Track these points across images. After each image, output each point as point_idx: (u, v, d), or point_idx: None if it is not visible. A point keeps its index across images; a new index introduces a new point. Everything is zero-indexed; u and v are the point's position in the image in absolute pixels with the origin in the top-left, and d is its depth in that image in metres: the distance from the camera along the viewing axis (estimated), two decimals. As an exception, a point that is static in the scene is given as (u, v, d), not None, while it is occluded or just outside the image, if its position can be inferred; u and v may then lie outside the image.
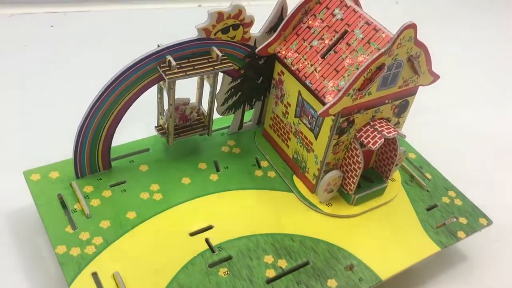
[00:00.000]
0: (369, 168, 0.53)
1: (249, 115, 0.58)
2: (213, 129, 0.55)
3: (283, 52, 0.49)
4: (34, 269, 0.47)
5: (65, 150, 0.50)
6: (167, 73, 0.44)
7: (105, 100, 0.45)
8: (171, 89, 0.46)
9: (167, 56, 0.45)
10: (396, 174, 0.56)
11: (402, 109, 0.50)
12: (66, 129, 0.52)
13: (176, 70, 0.44)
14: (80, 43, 0.76)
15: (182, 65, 0.45)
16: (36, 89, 0.67)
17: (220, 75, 0.51)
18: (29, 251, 0.48)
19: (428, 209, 0.53)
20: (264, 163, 0.55)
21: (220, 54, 0.46)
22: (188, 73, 0.45)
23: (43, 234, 0.50)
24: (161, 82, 0.47)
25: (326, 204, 0.51)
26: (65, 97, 0.66)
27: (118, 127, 0.48)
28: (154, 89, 0.51)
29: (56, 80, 0.69)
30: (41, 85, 0.68)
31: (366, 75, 0.43)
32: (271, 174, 0.54)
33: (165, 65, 0.45)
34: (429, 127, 0.73)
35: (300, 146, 0.51)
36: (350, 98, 0.43)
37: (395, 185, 0.55)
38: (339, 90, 0.44)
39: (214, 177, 0.52)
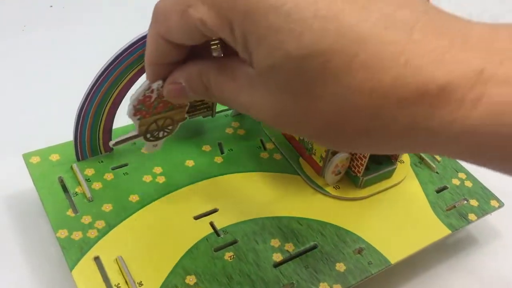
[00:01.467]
0: (377, 150, 0.52)
1: (253, 96, 0.56)
2: (216, 110, 0.53)
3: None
4: (35, 253, 0.46)
5: (66, 132, 0.48)
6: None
7: (106, 79, 0.43)
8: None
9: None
10: (405, 156, 0.55)
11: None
12: (67, 111, 0.50)
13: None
14: (80, 23, 0.74)
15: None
16: (35, 71, 0.65)
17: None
18: (30, 234, 0.47)
19: (438, 191, 0.52)
20: (269, 145, 0.53)
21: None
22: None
23: (44, 217, 0.49)
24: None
25: (334, 187, 0.50)
26: (65, 78, 0.64)
27: (119, 109, 0.47)
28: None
29: (56, 60, 0.67)
30: (40, 66, 0.66)
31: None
32: (277, 156, 0.53)
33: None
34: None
35: (307, 127, 0.50)
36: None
37: (404, 167, 0.53)
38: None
39: (218, 159, 0.51)
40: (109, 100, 0.45)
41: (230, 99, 0.30)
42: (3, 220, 0.48)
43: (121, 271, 0.40)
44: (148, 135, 0.44)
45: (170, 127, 0.44)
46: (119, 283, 0.39)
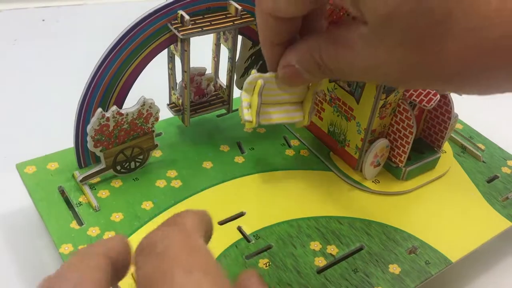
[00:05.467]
0: (416, 138, 0.46)
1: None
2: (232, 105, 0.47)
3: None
4: (35, 279, 0.39)
5: (62, 142, 0.43)
6: (180, 29, 0.37)
7: (108, 68, 0.38)
8: (185, 51, 0.39)
9: (178, 11, 0.38)
10: (446, 146, 0.49)
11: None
12: (59, 125, 0.47)
13: (190, 26, 0.37)
14: (73, 37, 0.69)
15: (197, 22, 0.38)
16: (26, 84, 0.60)
17: (238, 42, 0.44)
18: (28, 259, 0.41)
19: (488, 181, 0.46)
20: (294, 142, 0.48)
21: (239, 8, 0.39)
22: (204, 28, 0.38)
23: (42, 235, 0.42)
24: (172, 47, 0.40)
25: (373, 181, 0.44)
26: (56, 91, 0.59)
27: (125, 103, 0.41)
28: (161, 66, 0.44)
29: (48, 74, 0.62)
30: (32, 80, 0.61)
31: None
32: (304, 152, 0.47)
33: (176, 21, 0.38)
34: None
35: (337, 115, 0.44)
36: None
37: (447, 157, 0.47)
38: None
39: (239, 159, 0.45)
40: (112, 95, 0.40)
41: (347, 68, 0.28)
42: (-4, 242, 0.42)
43: None
44: (118, 167, 0.41)
45: (140, 157, 0.40)
46: (137, 302, 0.32)
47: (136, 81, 0.40)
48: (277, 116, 0.39)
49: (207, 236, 0.26)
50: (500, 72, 0.23)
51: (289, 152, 0.46)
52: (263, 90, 0.37)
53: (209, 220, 0.27)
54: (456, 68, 0.24)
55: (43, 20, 0.71)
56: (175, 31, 0.37)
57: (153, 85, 0.46)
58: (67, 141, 0.42)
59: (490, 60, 0.23)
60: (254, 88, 0.37)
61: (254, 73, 0.36)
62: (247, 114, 0.38)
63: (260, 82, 0.36)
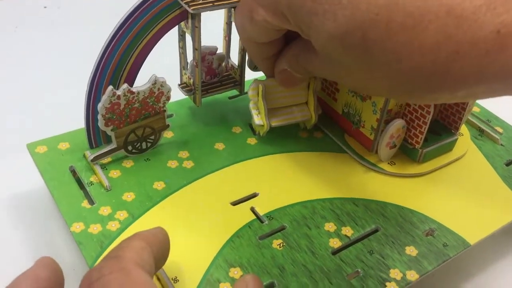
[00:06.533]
0: (433, 120, 0.45)
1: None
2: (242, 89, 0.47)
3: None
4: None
5: (69, 129, 0.42)
6: (190, 4, 0.36)
7: (117, 46, 0.37)
8: (196, 28, 0.38)
9: (190, -14, 0.37)
10: (463, 129, 0.48)
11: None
12: (67, 108, 0.46)
13: (201, 1, 0.37)
14: (75, 24, 0.69)
15: (208, -3, 0.37)
16: (30, 70, 0.59)
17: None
18: (38, 238, 0.40)
19: (507, 164, 0.45)
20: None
21: (253, -16, 0.38)
22: (215, 3, 0.37)
23: (53, 219, 0.42)
24: (182, 24, 0.40)
25: (388, 163, 0.43)
26: (59, 78, 0.58)
27: (136, 80, 0.40)
28: (172, 45, 0.43)
29: (52, 60, 0.62)
30: (36, 66, 0.60)
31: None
32: (318, 134, 0.46)
33: (187, -3, 0.37)
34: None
35: (352, 96, 0.43)
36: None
37: (464, 140, 0.46)
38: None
39: (251, 140, 0.44)
40: (122, 74, 0.39)
41: (319, 72, 0.34)
42: (8, 223, 0.41)
43: (150, 267, 0.32)
44: (130, 147, 0.40)
45: (152, 137, 0.40)
46: (149, 281, 0.32)
47: (146, 62, 0.40)
48: (286, 117, 0.43)
49: (158, 259, 0.28)
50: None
51: (303, 134, 0.46)
52: (266, 95, 0.41)
53: (161, 241, 0.29)
54: (390, 89, 0.29)
55: (45, 7, 0.71)
56: (186, 6, 0.36)
57: (163, 66, 0.45)
58: (77, 124, 0.42)
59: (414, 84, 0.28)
60: (258, 94, 0.41)
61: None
62: (258, 119, 0.42)
63: (260, 86, 0.41)
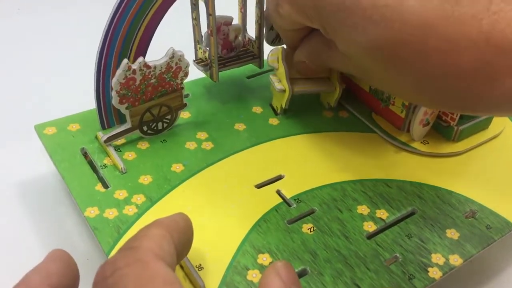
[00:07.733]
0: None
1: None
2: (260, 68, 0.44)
3: None
4: (58, 246, 0.36)
5: (81, 107, 0.40)
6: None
7: (123, 16, 0.34)
8: (211, -8, 0.35)
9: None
10: (497, 105, 0.45)
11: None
12: (72, 93, 0.46)
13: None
14: (78, 4, 0.66)
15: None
16: (34, 51, 0.57)
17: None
18: (49, 226, 0.38)
19: (546, 142, 0.42)
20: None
21: None
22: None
23: (64, 204, 0.39)
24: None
25: (421, 142, 0.40)
26: (68, 58, 0.56)
27: (148, 54, 0.37)
28: (184, 20, 0.40)
29: (56, 41, 0.59)
30: (40, 47, 0.58)
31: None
32: (343, 114, 0.43)
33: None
34: None
35: (382, 71, 0.40)
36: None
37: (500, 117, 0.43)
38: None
39: (273, 121, 0.42)
40: (131, 48, 0.36)
41: (340, 70, 0.37)
42: (18, 210, 0.39)
43: (172, 253, 0.30)
44: (145, 128, 0.37)
45: (168, 117, 0.36)
46: (171, 269, 0.29)
47: (158, 39, 0.37)
48: (309, 84, 0.41)
49: (180, 248, 0.25)
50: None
51: (327, 114, 0.43)
52: (288, 64, 0.39)
53: (183, 228, 0.26)
54: (415, 98, 0.32)
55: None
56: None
57: (176, 43, 0.42)
58: (86, 107, 0.39)
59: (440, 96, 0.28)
60: (278, 59, 0.39)
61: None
62: (279, 85, 0.40)
63: (281, 49, 0.39)
